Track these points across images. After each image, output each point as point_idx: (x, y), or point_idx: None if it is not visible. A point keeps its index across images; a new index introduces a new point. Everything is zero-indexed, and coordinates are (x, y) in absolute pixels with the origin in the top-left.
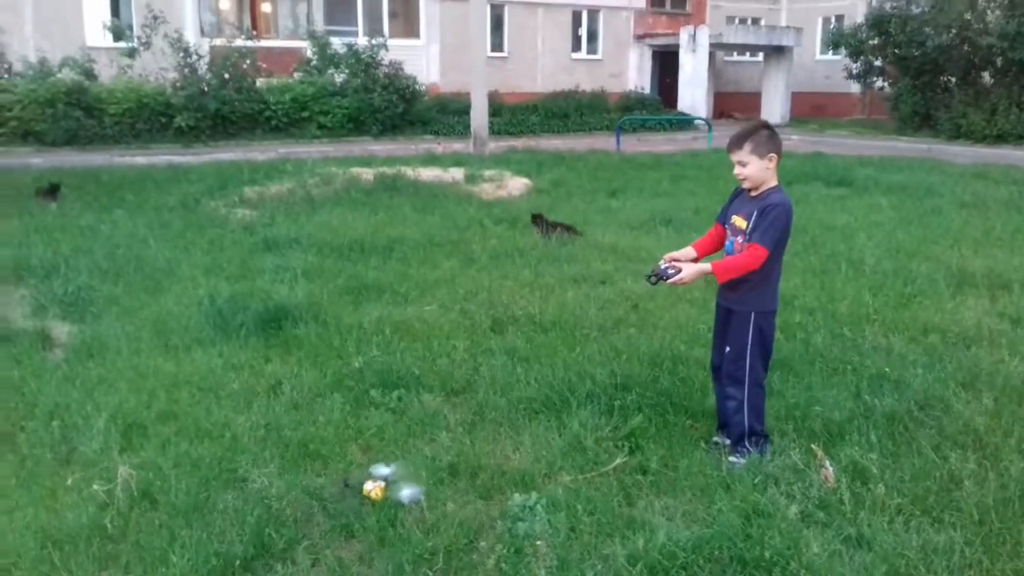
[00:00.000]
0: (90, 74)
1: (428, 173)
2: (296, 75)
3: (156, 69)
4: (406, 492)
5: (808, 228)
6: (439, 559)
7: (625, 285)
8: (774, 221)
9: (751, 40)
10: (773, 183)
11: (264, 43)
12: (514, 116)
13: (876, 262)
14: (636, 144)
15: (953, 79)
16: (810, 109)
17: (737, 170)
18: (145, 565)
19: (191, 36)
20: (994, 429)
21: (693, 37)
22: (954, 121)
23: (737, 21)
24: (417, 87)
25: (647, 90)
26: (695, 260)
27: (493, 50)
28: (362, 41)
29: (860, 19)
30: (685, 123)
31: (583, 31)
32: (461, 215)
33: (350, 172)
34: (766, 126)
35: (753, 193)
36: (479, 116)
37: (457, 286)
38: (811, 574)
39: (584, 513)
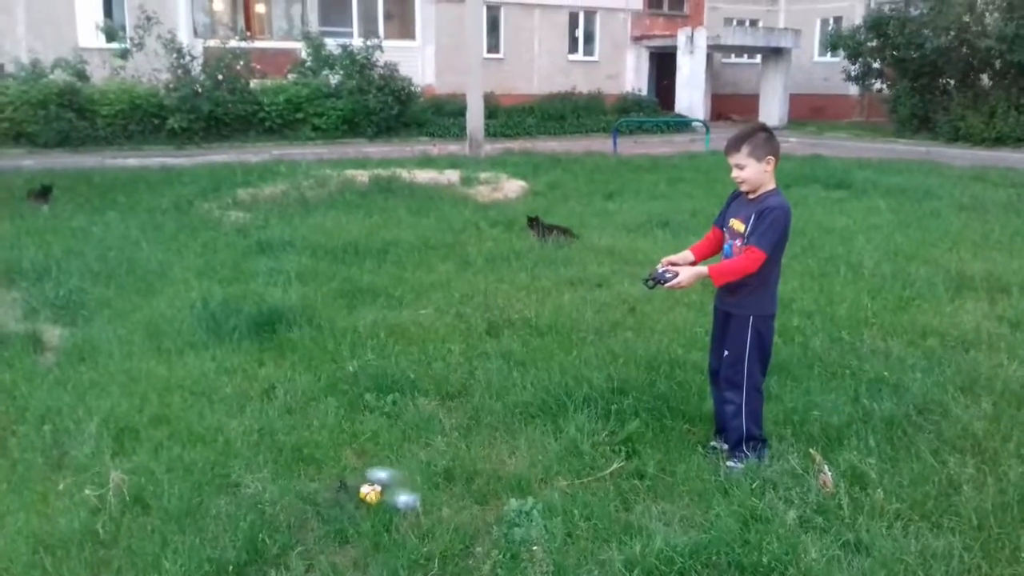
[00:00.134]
0: (83, 75)
1: (423, 175)
2: (290, 76)
3: (149, 70)
4: (403, 499)
5: (806, 231)
6: (434, 565)
7: (622, 288)
8: (772, 224)
9: (749, 42)
10: (771, 186)
11: (258, 44)
12: (510, 118)
13: (875, 265)
14: (633, 146)
15: (952, 81)
16: (808, 111)
17: (735, 173)
18: (137, 570)
19: (184, 37)
20: (993, 434)
21: (691, 39)
22: (953, 123)
23: (735, 23)
24: (412, 89)
25: (644, 92)
26: (693, 264)
27: (489, 51)
28: (357, 42)
29: (858, 21)
30: (682, 125)
31: (580, 32)
32: (457, 218)
33: (344, 174)
34: (764, 128)
35: (751, 196)
36: (475, 118)
37: (452, 289)
38: None
39: (581, 518)
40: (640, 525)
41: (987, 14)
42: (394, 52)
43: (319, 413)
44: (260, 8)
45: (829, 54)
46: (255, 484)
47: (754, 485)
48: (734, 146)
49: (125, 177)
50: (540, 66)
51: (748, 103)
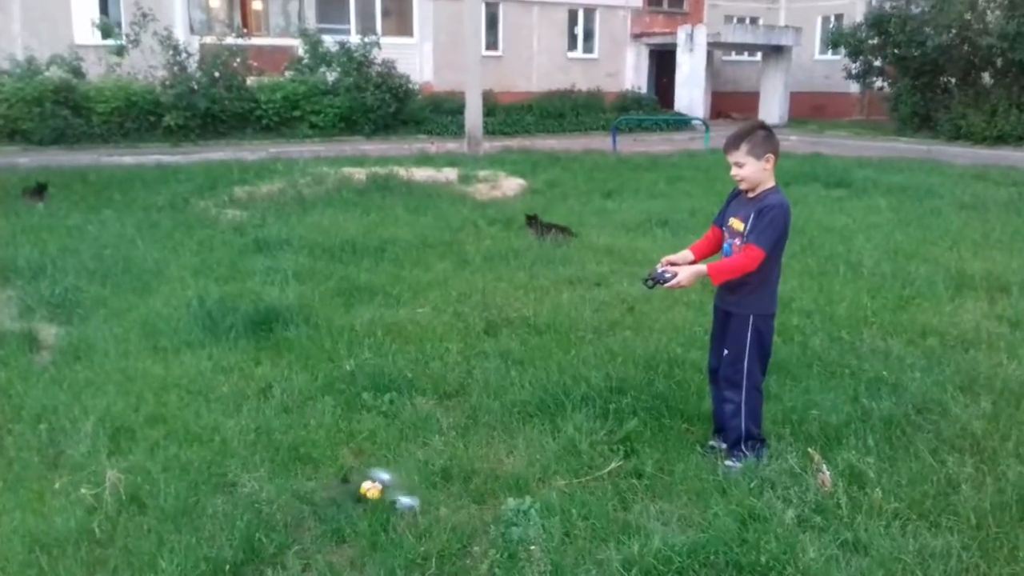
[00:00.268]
0: (78, 72)
1: (421, 173)
2: (287, 74)
3: (145, 67)
4: (404, 501)
5: (806, 229)
6: (432, 564)
7: (621, 287)
8: (771, 222)
9: (749, 39)
10: (770, 184)
11: (255, 41)
12: (509, 116)
13: (874, 264)
14: (632, 144)
15: (953, 80)
16: (809, 109)
17: (734, 171)
18: (133, 570)
19: (181, 34)
20: (992, 433)
21: (691, 36)
22: (954, 122)
23: (735, 20)
24: (410, 86)
25: (644, 90)
26: (692, 263)
27: (488, 49)
28: (354, 39)
29: (859, 18)
30: (682, 123)
31: (579, 30)
32: (455, 216)
33: (342, 172)
34: (763, 126)
35: (751, 195)
36: (473, 115)
37: (450, 288)
38: None
39: (579, 517)
40: (638, 524)
41: (989, 12)
42: (392, 49)
43: (316, 412)
44: (257, 5)
45: (830, 52)
46: (252, 483)
47: (752, 484)
48: (733, 144)
49: (121, 175)
50: (539, 64)
51: (748, 101)
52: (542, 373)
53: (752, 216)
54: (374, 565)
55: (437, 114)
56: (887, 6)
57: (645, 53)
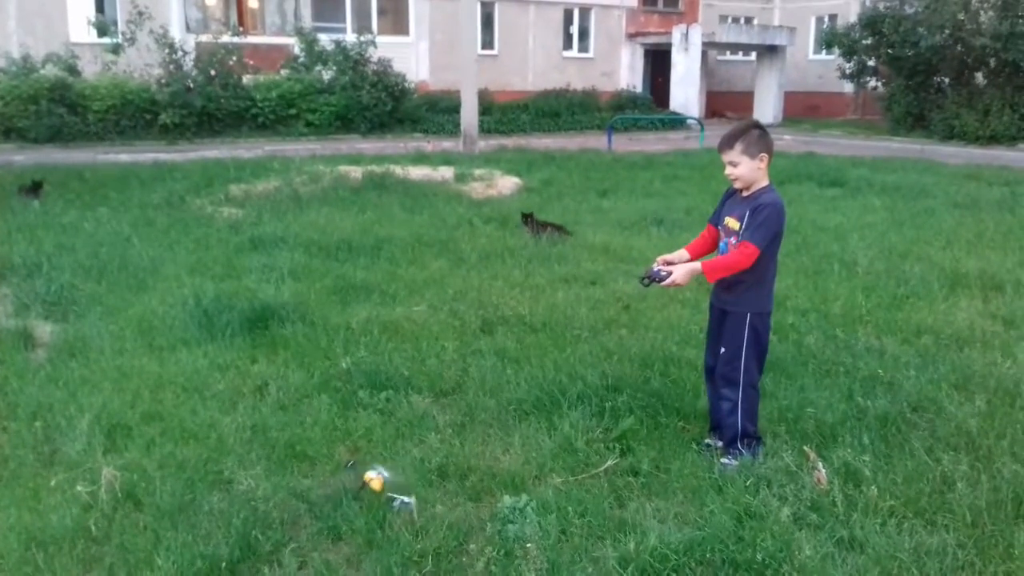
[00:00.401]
0: (74, 70)
1: (417, 172)
2: (283, 72)
3: (141, 65)
4: (400, 499)
5: (801, 229)
6: (428, 562)
7: (616, 286)
8: (765, 220)
9: (744, 39)
10: (764, 183)
11: (251, 39)
12: (504, 115)
13: (869, 263)
14: (628, 143)
15: (946, 80)
16: (803, 109)
17: (728, 170)
18: (130, 567)
19: (176, 32)
20: (987, 431)
21: (685, 36)
22: (947, 122)
23: (730, 20)
24: (406, 85)
25: (639, 89)
26: (688, 262)
27: (483, 48)
28: (350, 38)
29: (853, 19)
30: (677, 122)
31: (574, 29)
32: (450, 214)
33: (338, 170)
34: (757, 126)
35: (745, 193)
36: (469, 114)
37: (446, 286)
38: None
39: (575, 515)
40: (634, 522)
41: (982, 12)
42: (388, 48)
43: (312, 410)
44: (253, 3)
45: (824, 52)
46: (248, 481)
47: (748, 482)
48: (727, 143)
49: (116, 173)
50: (535, 63)
51: (743, 100)
52: (538, 371)
53: (747, 215)
54: (371, 562)
55: (433, 113)
56: (881, 6)
57: (640, 52)
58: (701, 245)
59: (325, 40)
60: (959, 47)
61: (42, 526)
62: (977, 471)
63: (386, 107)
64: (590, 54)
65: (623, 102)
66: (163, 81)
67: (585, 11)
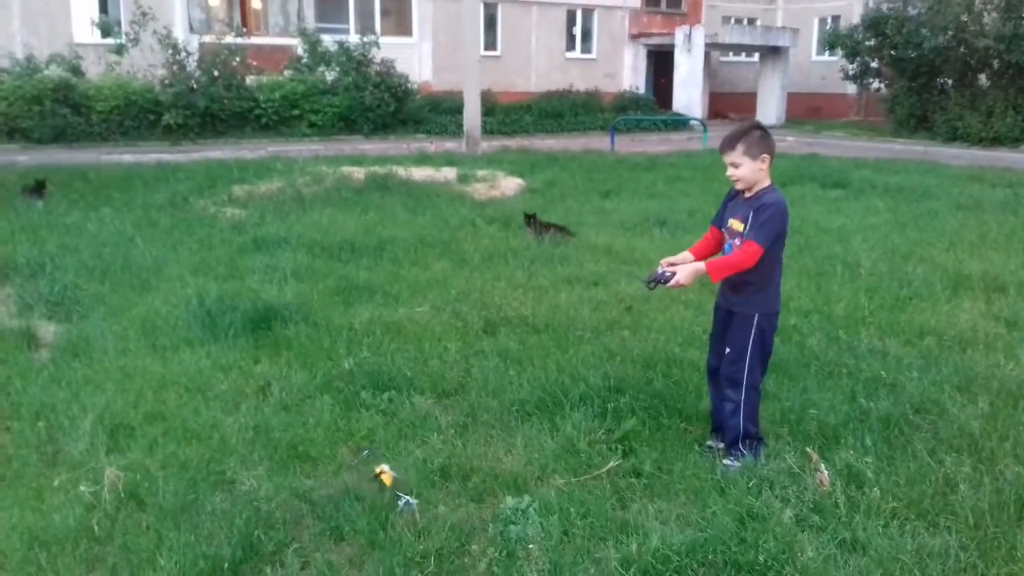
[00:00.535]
0: (78, 71)
1: (420, 173)
2: (286, 73)
3: (144, 66)
4: (406, 499)
5: (803, 230)
6: (430, 562)
7: (619, 287)
8: (769, 219)
9: (747, 40)
10: (766, 183)
11: (254, 40)
12: (507, 115)
13: (872, 264)
14: (630, 144)
15: (949, 81)
16: (806, 110)
17: (730, 171)
18: (132, 567)
19: (180, 33)
20: (989, 433)
21: (688, 37)
22: (950, 123)
23: (733, 21)
24: (409, 85)
25: (642, 90)
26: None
27: (486, 48)
28: (353, 39)
29: (856, 20)
30: (680, 124)
31: (577, 30)
32: (453, 215)
33: (341, 171)
34: (758, 127)
35: (747, 195)
36: (472, 115)
37: (449, 287)
38: None
39: (577, 516)
40: (636, 523)
41: (985, 14)
42: (391, 49)
43: (315, 410)
44: (256, 4)
45: (827, 53)
46: (250, 481)
47: (750, 484)
48: (729, 145)
49: (120, 173)
50: (537, 64)
51: (746, 102)
52: (540, 372)
53: (750, 215)
54: (373, 563)
55: (436, 114)
56: (884, 7)
57: (643, 53)
58: (705, 247)
59: (328, 41)
60: (962, 48)
61: (45, 526)
62: (980, 473)
63: (389, 108)
64: (593, 55)
65: (626, 103)
66: (167, 82)
67: (588, 12)
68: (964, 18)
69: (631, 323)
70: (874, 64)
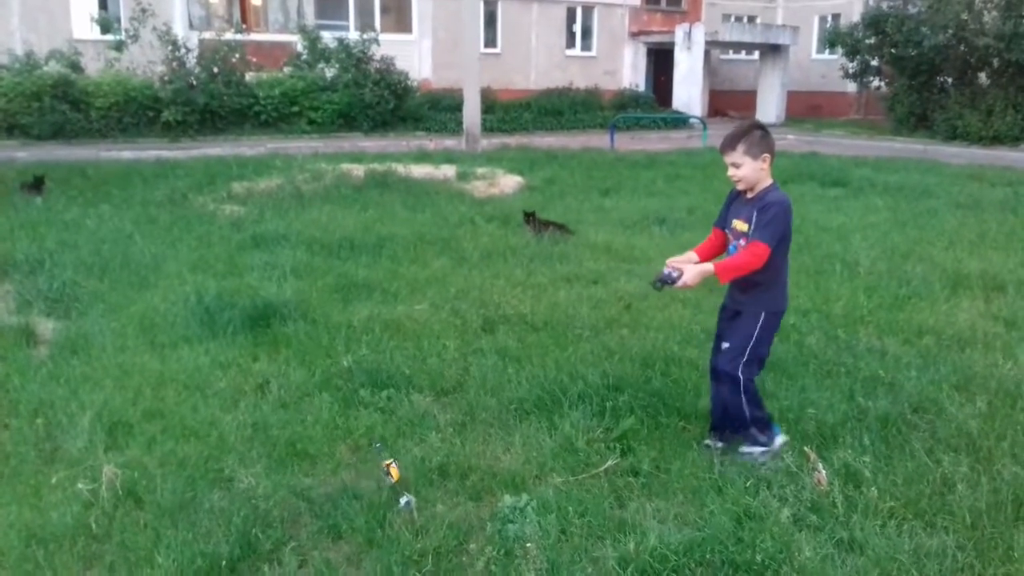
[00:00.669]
0: (77, 67)
1: (419, 170)
2: (286, 69)
3: (144, 62)
4: (406, 498)
5: (803, 229)
6: (428, 561)
7: (618, 285)
8: (773, 218)
9: (747, 38)
10: (768, 183)
11: (254, 37)
12: (507, 113)
13: (871, 263)
14: (630, 142)
15: (949, 80)
16: (806, 108)
17: (731, 171)
18: (130, 565)
19: (180, 29)
20: (987, 433)
21: (688, 35)
22: (950, 122)
23: (733, 19)
24: (409, 83)
25: (642, 88)
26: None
27: (486, 46)
28: (353, 35)
29: (856, 18)
30: (680, 122)
31: (577, 27)
32: (452, 213)
33: (340, 168)
34: (759, 126)
35: (750, 195)
36: (471, 113)
37: (448, 285)
38: None
39: (575, 515)
40: (634, 522)
41: (985, 12)
42: (390, 46)
43: (313, 408)
44: (256, 1)
45: (827, 51)
46: (248, 479)
47: (748, 483)
48: (729, 144)
49: (119, 170)
50: (537, 61)
51: (746, 100)
52: (539, 370)
53: (754, 215)
54: (371, 561)
55: (435, 111)
56: (884, 6)
57: (643, 51)
58: (709, 248)
59: (328, 38)
60: (962, 47)
61: (43, 523)
62: (977, 473)
63: (388, 105)
64: (593, 53)
65: (626, 101)
66: (166, 78)
67: (588, 10)
68: (964, 16)
69: (630, 321)
70: (874, 62)
